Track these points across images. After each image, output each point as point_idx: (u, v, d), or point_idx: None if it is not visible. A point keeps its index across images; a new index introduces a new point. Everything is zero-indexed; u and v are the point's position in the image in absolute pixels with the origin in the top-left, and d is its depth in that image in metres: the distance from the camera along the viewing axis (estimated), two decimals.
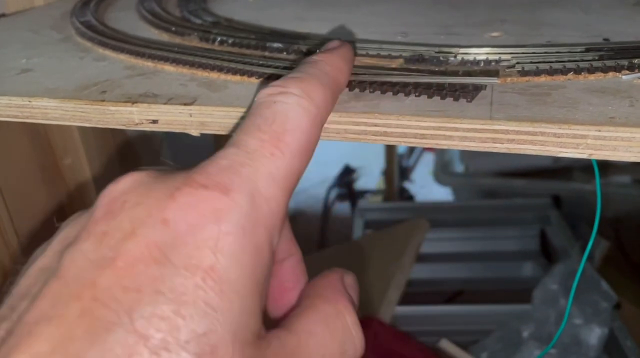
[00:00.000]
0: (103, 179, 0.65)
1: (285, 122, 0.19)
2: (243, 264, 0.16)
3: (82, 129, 0.62)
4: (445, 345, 0.81)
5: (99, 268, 0.16)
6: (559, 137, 0.22)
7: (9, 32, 0.44)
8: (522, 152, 0.23)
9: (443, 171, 1.36)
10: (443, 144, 0.24)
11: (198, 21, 0.42)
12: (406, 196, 1.67)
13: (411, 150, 1.91)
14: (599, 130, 0.22)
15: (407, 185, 1.76)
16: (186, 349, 0.15)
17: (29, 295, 0.17)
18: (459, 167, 1.39)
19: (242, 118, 0.24)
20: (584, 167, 1.23)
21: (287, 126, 0.19)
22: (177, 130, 0.28)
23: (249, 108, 0.20)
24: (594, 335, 0.81)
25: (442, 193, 1.58)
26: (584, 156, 0.23)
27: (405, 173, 1.78)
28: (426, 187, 1.75)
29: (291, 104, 0.19)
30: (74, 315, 0.15)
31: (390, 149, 1.56)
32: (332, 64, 0.23)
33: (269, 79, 0.29)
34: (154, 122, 0.27)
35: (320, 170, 1.81)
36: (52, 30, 0.44)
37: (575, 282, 0.36)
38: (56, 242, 0.18)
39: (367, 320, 0.80)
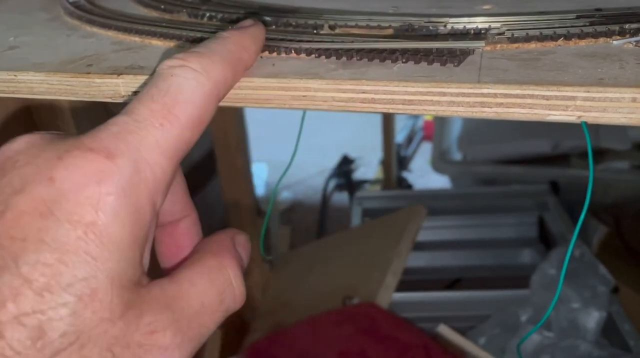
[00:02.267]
0: None
1: (178, 94, 0.20)
2: (122, 221, 0.18)
3: (75, 116, 0.61)
4: (444, 330, 0.81)
5: None
6: (547, 99, 0.22)
7: None
8: (510, 116, 0.23)
9: (441, 159, 1.36)
10: (430, 109, 0.24)
11: None
12: (405, 186, 1.67)
13: (409, 140, 1.90)
14: (588, 91, 0.22)
15: (406, 174, 1.76)
16: (67, 291, 0.16)
17: None
18: (456, 155, 1.39)
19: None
20: (581, 154, 1.22)
21: (179, 98, 0.20)
22: None
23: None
24: (592, 318, 0.81)
25: (440, 183, 1.58)
26: (573, 119, 0.22)
27: (403, 163, 1.78)
28: (424, 177, 1.75)
29: (187, 78, 0.20)
30: None
31: (388, 139, 1.55)
32: (237, 42, 0.24)
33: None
34: None
35: (318, 161, 1.81)
36: (41, 11, 0.43)
37: (565, 262, 0.36)
38: None
39: (365, 306, 0.80)
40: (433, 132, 1.50)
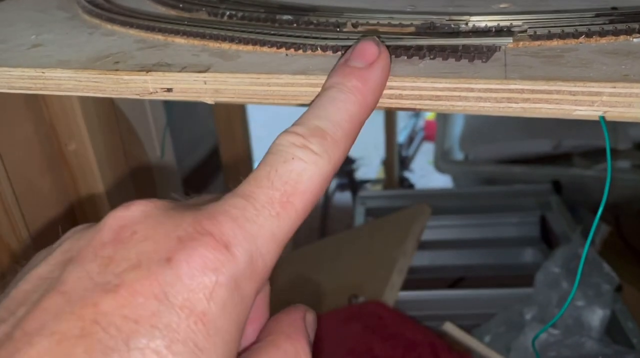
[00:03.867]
0: (107, 165, 0.65)
1: (298, 182, 0.19)
2: (230, 314, 0.18)
3: (86, 115, 0.62)
4: (449, 328, 0.81)
5: (102, 292, 0.17)
6: (574, 94, 0.23)
7: (16, 12, 0.44)
8: (537, 112, 0.24)
9: (443, 159, 1.37)
10: (458, 105, 0.24)
11: None
12: (406, 185, 1.67)
13: (411, 139, 1.91)
14: (614, 87, 0.22)
15: (407, 174, 1.77)
16: None
17: (27, 301, 0.17)
18: (458, 155, 1.40)
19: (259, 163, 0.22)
20: (583, 153, 1.23)
21: (298, 187, 0.19)
22: (192, 99, 0.28)
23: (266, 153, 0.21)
24: (596, 316, 0.82)
25: (441, 182, 1.59)
26: (599, 113, 0.23)
27: (404, 162, 1.78)
28: (426, 177, 1.76)
29: (308, 162, 0.20)
30: (75, 333, 0.16)
31: (390, 139, 1.56)
32: (363, 101, 0.22)
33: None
34: (169, 90, 0.28)
35: None
36: (59, 10, 0.44)
37: (580, 266, 0.36)
38: (59, 253, 0.19)
39: (372, 305, 0.81)
40: (434, 131, 1.50)
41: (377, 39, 0.24)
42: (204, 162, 1.22)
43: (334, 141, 0.21)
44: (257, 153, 1.22)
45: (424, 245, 1.08)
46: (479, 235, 1.16)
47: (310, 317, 0.23)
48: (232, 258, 0.18)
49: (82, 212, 0.66)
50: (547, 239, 1.13)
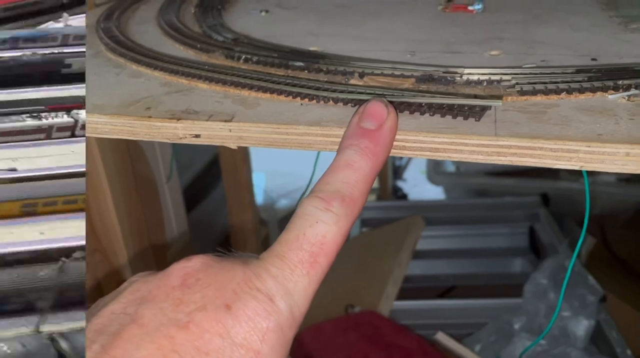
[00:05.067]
0: (117, 182, 0.68)
1: (323, 243, 0.23)
2: (276, 354, 0.21)
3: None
4: (442, 337, 0.85)
5: (176, 327, 0.20)
6: (555, 151, 0.26)
7: None
8: (522, 163, 0.27)
9: (435, 171, 1.41)
10: (454, 156, 0.28)
11: (219, 38, 0.45)
12: (399, 195, 1.71)
13: None
14: (589, 146, 0.26)
15: (400, 184, 1.80)
16: None
17: (106, 332, 0.21)
18: (450, 167, 1.43)
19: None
20: None
21: (324, 248, 0.23)
22: (217, 144, 0.31)
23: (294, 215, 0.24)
24: (582, 326, 0.86)
25: (433, 192, 1.62)
26: (576, 167, 0.26)
27: (397, 172, 1.82)
28: (418, 186, 1.79)
29: (330, 224, 0.23)
30: None
31: None
32: (376, 155, 0.26)
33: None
34: (197, 136, 0.31)
35: (316, 170, 1.84)
36: None
37: (567, 277, 0.40)
38: (128, 293, 0.22)
39: (368, 314, 0.84)
40: None
41: (385, 99, 0.27)
42: (203, 172, 1.25)
43: (352, 201, 0.24)
44: (256, 160, 1.25)
45: (416, 255, 1.11)
46: (470, 245, 1.20)
47: None
48: (277, 309, 0.21)
49: (91, 227, 0.69)
50: (536, 249, 1.17)
